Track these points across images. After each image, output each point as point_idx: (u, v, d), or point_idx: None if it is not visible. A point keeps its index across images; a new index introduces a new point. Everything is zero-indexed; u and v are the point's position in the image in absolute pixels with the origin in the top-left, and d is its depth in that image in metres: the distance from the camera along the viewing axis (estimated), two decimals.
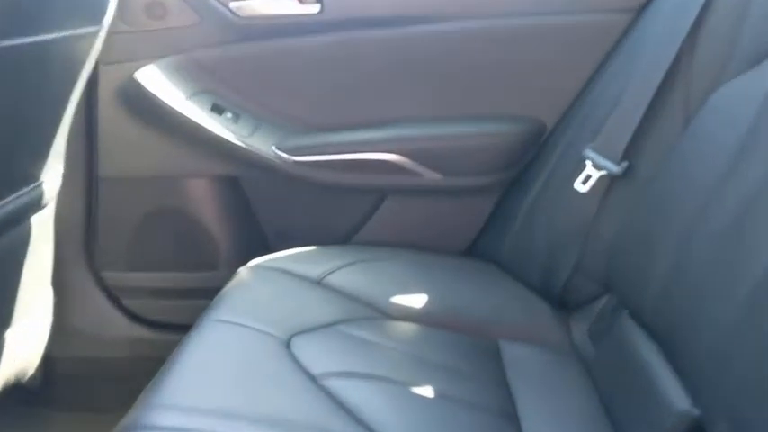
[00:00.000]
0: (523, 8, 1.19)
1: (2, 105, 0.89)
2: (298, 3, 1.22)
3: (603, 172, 1.05)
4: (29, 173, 1.04)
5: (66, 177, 1.20)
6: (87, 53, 1.05)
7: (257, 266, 1.11)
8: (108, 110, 1.25)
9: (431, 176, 1.23)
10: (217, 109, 1.24)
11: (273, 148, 1.24)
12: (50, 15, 0.92)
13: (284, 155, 1.23)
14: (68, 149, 1.14)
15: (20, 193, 1.01)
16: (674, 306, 0.84)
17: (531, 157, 1.22)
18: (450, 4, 1.20)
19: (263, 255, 1.15)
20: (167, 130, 1.24)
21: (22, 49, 0.88)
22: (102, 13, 1.06)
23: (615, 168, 1.04)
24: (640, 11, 1.15)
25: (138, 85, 1.22)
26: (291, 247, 1.19)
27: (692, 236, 0.83)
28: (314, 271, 1.09)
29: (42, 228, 1.10)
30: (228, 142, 1.23)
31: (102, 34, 1.07)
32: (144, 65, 1.22)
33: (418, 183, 1.23)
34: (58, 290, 1.20)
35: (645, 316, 0.90)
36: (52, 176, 1.10)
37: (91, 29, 1.03)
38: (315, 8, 1.21)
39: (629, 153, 1.03)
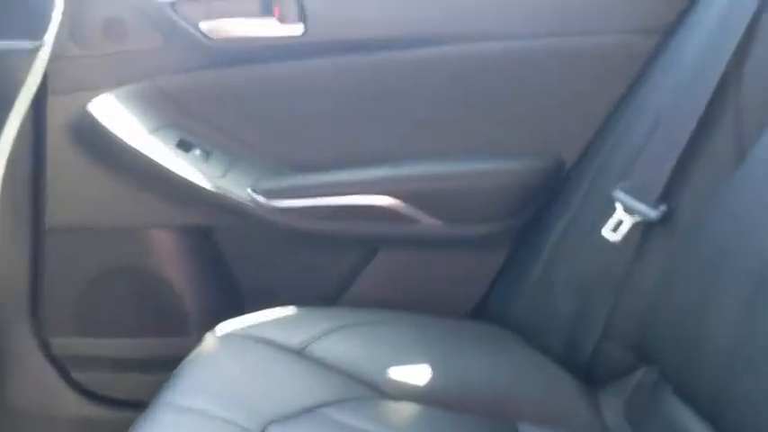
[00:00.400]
0: (536, 29, 1.05)
1: None
2: (278, 23, 1.07)
3: (637, 218, 0.90)
4: None
5: (8, 227, 1.06)
6: (22, 73, 0.90)
7: (227, 333, 0.94)
8: (57, 148, 1.10)
9: (430, 223, 1.07)
10: (184, 145, 1.09)
11: (249, 190, 1.08)
12: None
13: (261, 199, 1.08)
14: (10, 195, 1.00)
15: None
16: (735, 385, 0.72)
17: (549, 199, 1.07)
18: (452, 24, 1.06)
19: (237, 316, 1.00)
20: (126, 172, 1.10)
21: None
22: (44, 26, 0.90)
23: (651, 213, 0.89)
24: (669, 31, 1.01)
25: (92, 119, 1.07)
26: (270, 307, 1.04)
27: (755, 300, 0.71)
28: (294, 338, 0.93)
29: None
30: (197, 185, 1.08)
31: (45, 54, 0.92)
32: (99, 94, 1.07)
33: (416, 231, 1.08)
34: None
35: (695, 394, 0.78)
36: None
37: (26, 44, 0.88)
38: (297, 29, 1.06)
39: (668, 195, 0.89)
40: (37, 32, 0.89)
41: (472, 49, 1.05)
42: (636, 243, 0.91)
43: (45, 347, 1.15)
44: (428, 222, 1.07)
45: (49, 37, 0.91)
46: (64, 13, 0.96)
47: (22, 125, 0.96)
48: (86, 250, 1.13)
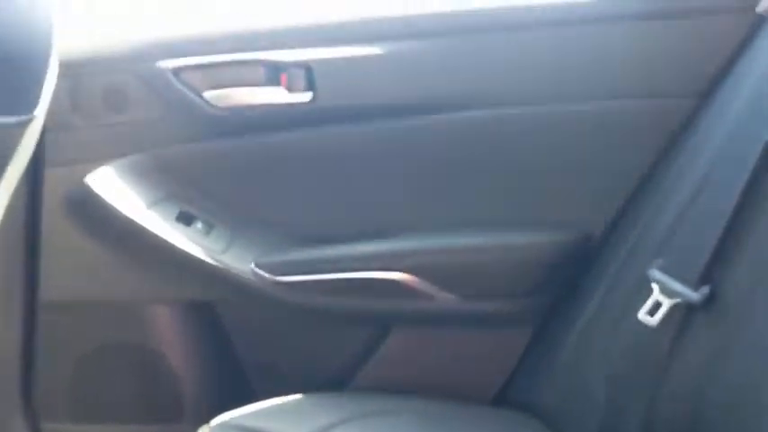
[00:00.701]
0: (560, 93, 0.98)
1: None
2: (285, 91, 1.01)
3: (677, 300, 0.81)
4: None
5: (1, 303, 0.99)
6: (9, 148, 0.84)
7: (223, 426, 0.86)
8: (53, 220, 1.04)
9: (446, 299, 0.99)
10: (184, 218, 1.03)
11: (252, 265, 1.01)
12: None
13: (265, 274, 1.01)
14: (3, 268, 0.94)
15: None
16: None
17: (575, 276, 0.98)
18: (469, 89, 0.99)
19: (239, 400, 0.92)
20: (125, 245, 1.04)
21: None
22: (34, 100, 0.85)
23: (692, 295, 0.80)
24: (708, 94, 0.94)
25: (89, 191, 1.01)
26: (273, 390, 0.96)
27: None
28: None
29: None
30: (198, 259, 1.02)
31: (35, 127, 0.87)
32: (98, 166, 1.02)
33: (431, 309, 1.00)
34: None
35: None
36: None
37: (12, 119, 0.83)
38: (305, 97, 1.00)
39: (711, 274, 0.79)
40: (24, 106, 0.84)
41: (490, 114, 0.98)
42: (676, 328, 0.81)
43: None
44: (444, 298, 0.99)
45: (41, 110, 0.86)
46: (64, 84, 0.92)
47: (17, 197, 0.91)
48: (81, 327, 1.07)
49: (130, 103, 1.02)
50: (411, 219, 1.01)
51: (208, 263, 1.01)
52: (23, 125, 0.84)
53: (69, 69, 0.94)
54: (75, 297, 1.06)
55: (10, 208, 0.91)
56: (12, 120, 0.83)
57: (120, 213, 1.01)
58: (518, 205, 0.99)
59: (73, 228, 1.03)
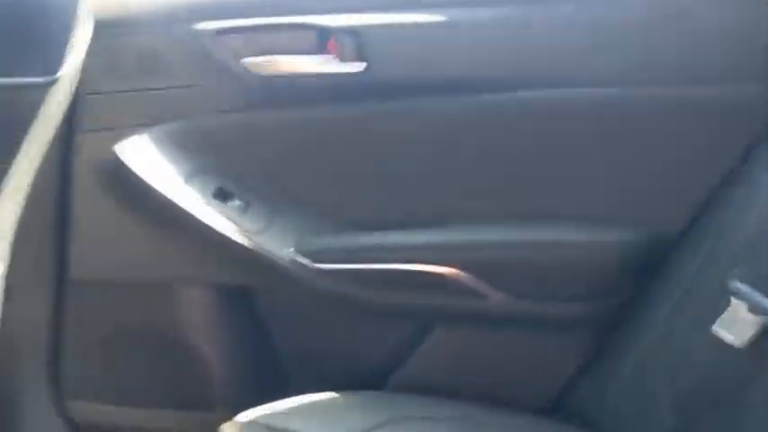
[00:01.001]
0: (635, 74, 0.87)
1: None
2: (335, 60, 0.92)
3: (763, 317, 0.71)
4: None
5: (28, 279, 0.95)
6: (34, 110, 0.78)
7: (251, 424, 0.80)
8: (84, 192, 1.00)
9: (499, 299, 0.91)
10: (222, 195, 0.97)
11: (291, 250, 0.94)
12: None
13: (304, 260, 0.94)
14: (31, 241, 0.89)
15: None
16: None
17: (644, 281, 0.89)
18: (536, 64, 0.89)
19: (272, 391, 0.87)
20: (156, 221, 0.98)
21: None
22: (59, 59, 0.79)
23: None
24: None
25: (119, 161, 0.95)
26: (309, 383, 0.90)
27: None
28: None
29: None
30: (233, 241, 0.95)
31: (63, 89, 0.81)
32: (130, 134, 0.96)
33: (482, 307, 0.92)
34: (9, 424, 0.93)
35: None
36: None
37: (38, 80, 0.77)
38: (357, 67, 0.92)
39: None
40: (48, 66, 0.77)
41: (559, 95, 0.89)
42: (760, 346, 0.72)
43: (62, 410, 1.04)
44: (497, 298, 0.90)
45: (68, 72, 0.80)
46: (96, 45, 0.85)
47: (47, 163, 0.86)
48: (110, 306, 1.02)
49: (165, 68, 0.96)
50: (466, 209, 0.92)
51: (244, 245, 0.94)
52: (47, 85, 0.78)
53: (102, 29, 0.88)
54: (104, 274, 1.01)
55: (40, 173, 0.85)
56: (38, 80, 0.77)
57: (152, 187, 0.95)
58: (584, 200, 0.90)
59: (103, 200, 0.98)
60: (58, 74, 0.78)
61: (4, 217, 0.81)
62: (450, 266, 0.89)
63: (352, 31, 0.91)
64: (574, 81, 0.88)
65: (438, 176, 0.93)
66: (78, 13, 0.81)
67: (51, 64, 0.78)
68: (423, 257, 0.91)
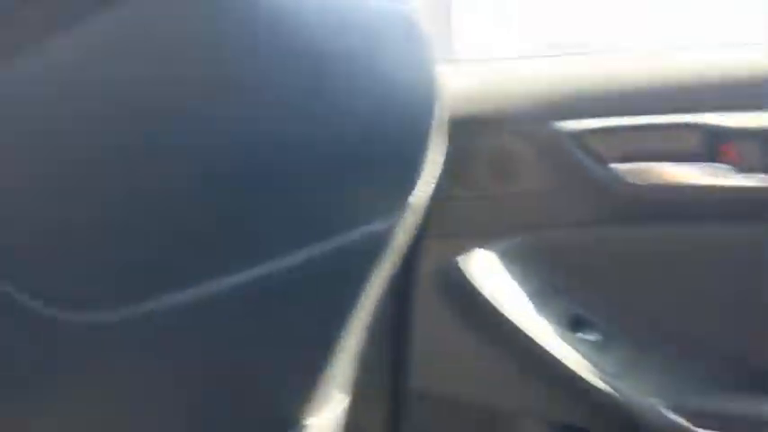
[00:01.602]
0: None
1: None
2: (730, 170, 0.73)
3: None
4: (290, 413, 0.72)
5: (364, 386, 0.89)
6: (377, 253, 0.69)
7: None
8: (426, 301, 0.91)
9: None
10: (576, 324, 0.83)
11: (662, 407, 0.76)
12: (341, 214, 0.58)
13: (681, 420, 0.75)
14: (373, 348, 0.84)
15: None
16: None
17: None
18: None
19: None
20: (502, 344, 0.87)
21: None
22: (409, 191, 0.69)
23: None
24: None
25: (462, 273, 0.86)
26: None
27: None
28: None
29: None
30: (586, 382, 0.79)
31: (409, 220, 0.71)
32: (474, 244, 0.86)
33: None
34: None
35: None
36: (327, 414, 0.77)
37: (381, 226, 0.67)
38: (763, 180, 0.73)
39: None
40: (401, 203, 0.67)
41: None
42: None
43: None
44: None
45: (417, 201, 0.69)
46: (449, 146, 0.76)
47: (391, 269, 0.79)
48: (442, 424, 0.92)
49: (519, 172, 0.84)
50: None
51: (599, 388, 0.79)
52: (388, 231, 0.68)
53: (454, 129, 0.79)
54: (444, 391, 0.92)
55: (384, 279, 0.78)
56: (380, 227, 0.67)
57: (495, 306, 0.84)
58: None
59: (446, 310, 0.90)
60: (397, 216, 0.69)
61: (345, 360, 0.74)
62: None
63: (756, 135, 0.71)
64: None
65: None
66: (434, 123, 0.71)
67: (401, 200, 0.68)
68: None
